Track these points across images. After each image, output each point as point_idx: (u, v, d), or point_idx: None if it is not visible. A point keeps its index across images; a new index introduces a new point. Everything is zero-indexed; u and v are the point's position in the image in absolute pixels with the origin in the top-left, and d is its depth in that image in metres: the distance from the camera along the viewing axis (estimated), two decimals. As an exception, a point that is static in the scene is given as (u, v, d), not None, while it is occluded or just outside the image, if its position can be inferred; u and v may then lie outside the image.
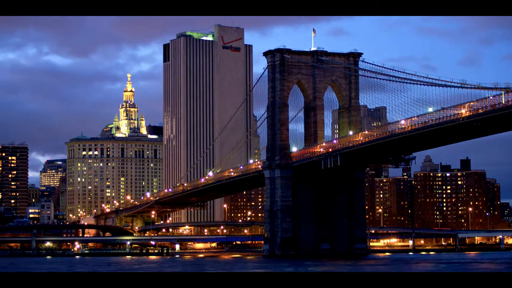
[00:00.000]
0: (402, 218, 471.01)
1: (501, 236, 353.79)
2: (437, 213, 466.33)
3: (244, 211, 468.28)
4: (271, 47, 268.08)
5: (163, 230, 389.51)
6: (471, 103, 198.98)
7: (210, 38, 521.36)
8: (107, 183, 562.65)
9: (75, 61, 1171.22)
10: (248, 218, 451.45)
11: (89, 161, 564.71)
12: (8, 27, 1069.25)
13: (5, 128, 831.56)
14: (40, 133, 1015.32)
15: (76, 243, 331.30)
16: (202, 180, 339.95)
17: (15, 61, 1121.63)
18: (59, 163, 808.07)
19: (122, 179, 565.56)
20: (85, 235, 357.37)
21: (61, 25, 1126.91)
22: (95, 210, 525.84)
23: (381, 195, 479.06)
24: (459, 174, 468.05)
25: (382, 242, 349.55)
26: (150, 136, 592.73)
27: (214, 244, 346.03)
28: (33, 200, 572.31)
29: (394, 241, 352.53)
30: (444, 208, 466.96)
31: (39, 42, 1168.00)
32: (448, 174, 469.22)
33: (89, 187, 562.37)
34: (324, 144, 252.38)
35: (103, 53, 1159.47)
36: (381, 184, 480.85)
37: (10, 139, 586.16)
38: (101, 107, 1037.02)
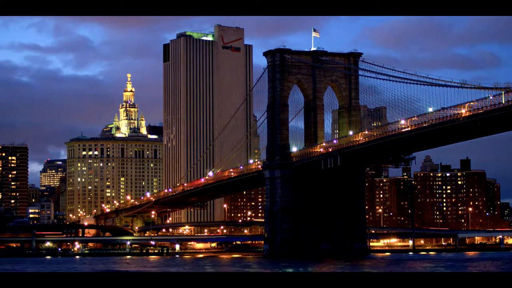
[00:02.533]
0: (402, 218, 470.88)
1: (501, 236, 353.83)
2: (437, 213, 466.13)
3: (244, 211, 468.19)
4: (271, 47, 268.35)
5: (163, 230, 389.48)
6: (471, 103, 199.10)
7: (210, 38, 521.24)
8: (107, 183, 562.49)
9: (76, 61, 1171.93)
10: (248, 218, 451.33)
11: (89, 161, 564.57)
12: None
13: (5, 127, 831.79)
14: (40, 133, 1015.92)
15: (76, 243, 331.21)
16: (202, 180, 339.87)
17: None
18: (59, 163, 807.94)
19: (122, 179, 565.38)
20: (85, 235, 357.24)
21: (56, 24, 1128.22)
22: (95, 210, 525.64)
23: (381, 195, 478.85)
24: (459, 174, 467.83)
25: (382, 242, 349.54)
26: (150, 136, 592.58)
27: (214, 244, 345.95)
28: (33, 200, 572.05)
29: (394, 241, 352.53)
30: (444, 208, 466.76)
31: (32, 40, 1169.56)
32: (448, 174, 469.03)
33: (89, 187, 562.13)
34: (324, 144, 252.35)
35: (102, 53, 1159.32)
36: (381, 184, 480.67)
37: (10, 139, 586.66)
38: (101, 107, 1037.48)
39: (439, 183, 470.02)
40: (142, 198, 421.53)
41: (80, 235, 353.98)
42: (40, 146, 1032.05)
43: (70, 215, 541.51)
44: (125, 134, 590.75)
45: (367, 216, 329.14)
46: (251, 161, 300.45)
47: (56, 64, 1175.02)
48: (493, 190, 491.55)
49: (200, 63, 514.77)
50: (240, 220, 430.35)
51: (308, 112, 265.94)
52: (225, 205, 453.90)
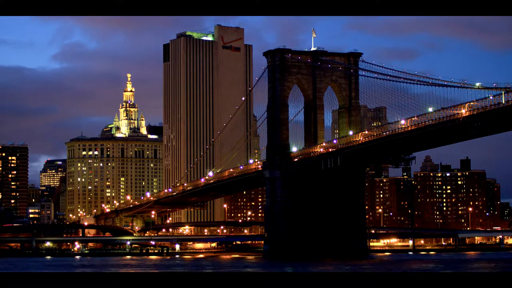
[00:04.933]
0: (402, 218, 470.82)
1: (501, 236, 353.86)
2: (437, 213, 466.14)
3: (244, 211, 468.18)
4: (271, 47, 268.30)
5: (163, 230, 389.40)
6: (471, 103, 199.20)
7: (210, 38, 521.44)
8: (107, 183, 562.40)
9: (77, 60, 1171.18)
10: (248, 218, 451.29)
11: (89, 161, 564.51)
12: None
13: (5, 128, 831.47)
14: (40, 133, 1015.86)
15: (76, 243, 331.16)
16: (202, 180, 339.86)
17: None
18: (59, 163, 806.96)
19: (122, 179, 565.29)
20: (85, 235, 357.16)
21: (53, 22, 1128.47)
22: (95, 210, 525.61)
23: (381, 195, 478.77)
24: (459, 174, 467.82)
25: (382, 242, 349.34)
26: (150, 136, 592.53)
27: (214, 244, 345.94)
28: (33, 200, 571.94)
29: (394, 241, 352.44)
30: (444, 208, 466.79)
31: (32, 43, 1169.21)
32: (448, 174, 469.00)
33: (89, 187, 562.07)
34: (324, 144, 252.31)
35: (103, 53, 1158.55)
36: (381, 184, 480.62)
37: (10, 139, 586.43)
38: (101, 107, 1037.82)
39: (439, 183, 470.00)
40: (142, 198, 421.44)
41: (80, 235, 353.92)
42: (40, 146, 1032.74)
43: (70, 215, 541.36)
44: (125, 134, 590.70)
45: (367, 216, 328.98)
46: (251, 161, 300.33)
47: (52, 73, 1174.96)
48: (493, 190, 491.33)
49: (200, 63, 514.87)
50: (240, 220, 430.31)
51: (308, 112, 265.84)
52: (225, 205, 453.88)
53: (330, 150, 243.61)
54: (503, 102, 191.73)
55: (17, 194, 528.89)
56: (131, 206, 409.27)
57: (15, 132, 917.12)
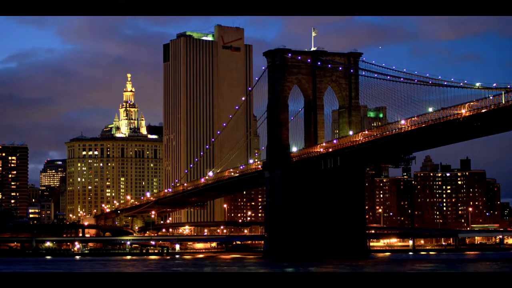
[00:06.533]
0: (402, 218, 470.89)
1: (501, 236, 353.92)
2: (437, 213, 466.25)
3: (244, 211, 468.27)
4: (271, 47, 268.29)
5: (163, 230, 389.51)
6: (471, 103, 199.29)
7: (210, 38, 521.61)
8: (107, 183, 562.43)
9: (77, 56, 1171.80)
10: (248, 218, 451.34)
11: (89, 161, 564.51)
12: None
13: (5, 127, 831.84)
14: (40, 133, 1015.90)
15: (76, 243, 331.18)
16: (202, 180, 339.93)
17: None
18: (59, 163, 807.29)
19: (122, 179, 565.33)
20: (85, 235, 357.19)
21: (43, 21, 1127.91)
22: (95, 210, 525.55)
23: (381, 195, 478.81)
24: (459, 174, 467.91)
25: (382, 242, 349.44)
26: (150, 136, 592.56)
27: (214, 244, 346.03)
28: (33, 200, 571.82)
29: (394, 241, 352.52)
30: (444, 208, 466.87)
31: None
32: (448, 174, 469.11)
33: (89, 187, 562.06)
34: (324, 144, 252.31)
35: (103, 53, 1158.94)
36: (381, 184, 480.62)
37: (10, 139, 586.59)
38: (101, 107, 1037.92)
39: (439, 183, 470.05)
40: (142, 198, 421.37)
41: (80, 235, 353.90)
42: (40, 146, 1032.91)
43: (70, 215, 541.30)
44: (125, 134, 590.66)
45: (367, 216, 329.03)
46: (251, 161, 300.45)
47: (57, 59, 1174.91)
48: (493, 190, 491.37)
49: (200, 63, 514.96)
50: (240, 220, 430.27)
51: (308, 112, 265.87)
52: (225, 205, 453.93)
53: (330, 150, 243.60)
54: (503, 102, 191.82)
55: (17, 194, 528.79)
56: (131, 206, 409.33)
57: (15, 129, 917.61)
